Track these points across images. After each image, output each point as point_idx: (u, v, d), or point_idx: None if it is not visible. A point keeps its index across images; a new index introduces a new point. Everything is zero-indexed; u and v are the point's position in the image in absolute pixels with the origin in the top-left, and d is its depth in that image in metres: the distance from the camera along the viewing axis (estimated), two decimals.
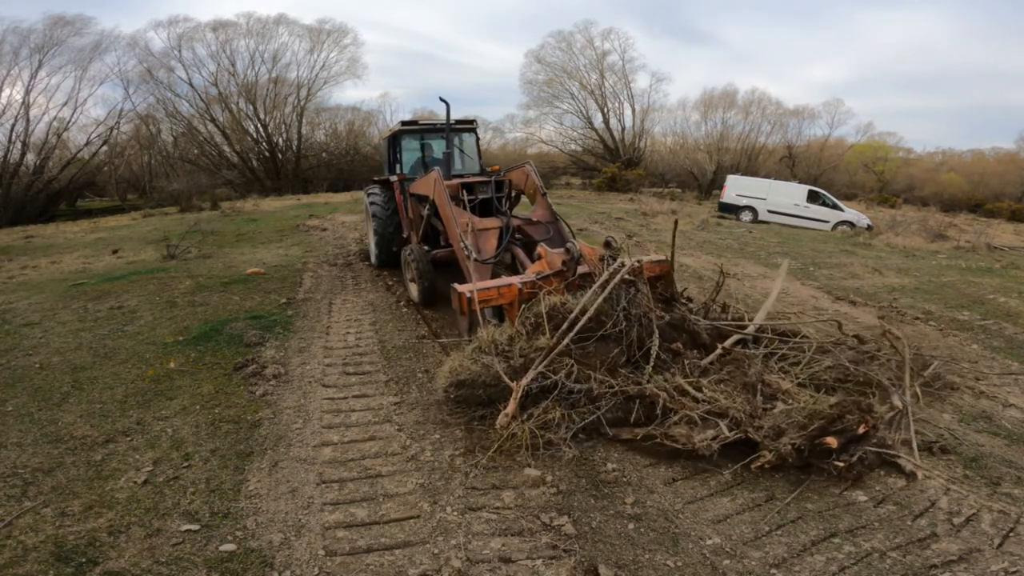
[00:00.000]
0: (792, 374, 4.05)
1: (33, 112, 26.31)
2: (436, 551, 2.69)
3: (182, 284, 7.60)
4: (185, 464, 3.41)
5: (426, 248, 7.05)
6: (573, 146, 39.58)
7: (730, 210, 20.43)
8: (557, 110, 38.63)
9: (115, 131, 29.59)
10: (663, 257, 5.22)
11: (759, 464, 3.26)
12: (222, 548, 2.70)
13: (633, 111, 38.06)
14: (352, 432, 3.85)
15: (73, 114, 27.90)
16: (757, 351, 4.38)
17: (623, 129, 38.37)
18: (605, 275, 4.34)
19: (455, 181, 6.64)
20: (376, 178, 9.30)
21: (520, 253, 6.15)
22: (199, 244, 11.19)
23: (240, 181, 32.21)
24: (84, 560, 2.58)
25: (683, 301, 5.12)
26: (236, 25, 33.37)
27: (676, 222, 6.07)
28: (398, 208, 8.32)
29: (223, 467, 3.40)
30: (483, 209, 6.62)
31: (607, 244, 5.09)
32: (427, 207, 6.82)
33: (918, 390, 4.11)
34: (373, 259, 9.12)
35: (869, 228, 17.06)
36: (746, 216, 19.90)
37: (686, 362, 4.06)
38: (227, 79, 33.44)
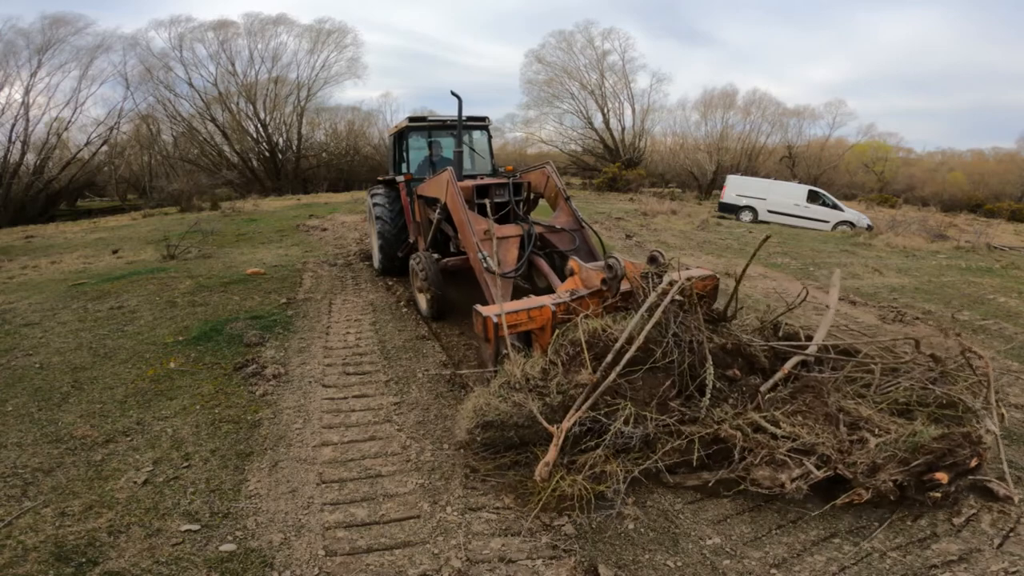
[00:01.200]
0: (868, 399, 3.55)
1: (33, 112, 26.37)
2: (436, 551, 2.69)
3: (182, 284, 7.60)
4: (185, 464, 3.41)
5: (436, 256, 6.41)
6: (573, 146, 39.64)
7: (730, 210, 20.44)
8: (557, 110, 38.71)
9: (115, 131, 29.64)
10: (708, 272, 4.75)
11: (846, 500, 2.93)
12: (222, 548, 2.70)
13: (633, 111, 38.11)
14: (352, 432, 3.85)
15: (73, 114, 27.94)
16: (824, 373, 3.81)
17: (623, 129, 38.42)
18: (653, 296, 3.78)
19: (468, 183, 6.06)
20: (380, 178, 8.75)
21: (543, 265, 5.54)
22: (199, 244, 11.19)
23: (240, 181, 32.24)
24: (84, 560, 2.58)
25: (731, 319, 4.49)
26: (236, 25, 33.43)
27: (767, 237, 4.92)
28: (404, 211, 7.79)
29: (223, 467, 3.40)
30: (499, 214, 6.00)
31: (652, 259, 4.49)
32: (437, 211, 6.34)
33: (1004, 411, 3.67)
34: (376, 264, 8.60)
35: (869, 228, 17.06)
36: (746, 216, 19.90)
37: (744, 390, 3.57)
38: (227, 79, 33.49)
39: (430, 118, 7.90)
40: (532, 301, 4.19)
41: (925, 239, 13.90)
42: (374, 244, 8.69)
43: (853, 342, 4.66)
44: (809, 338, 4.26)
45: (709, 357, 3.57)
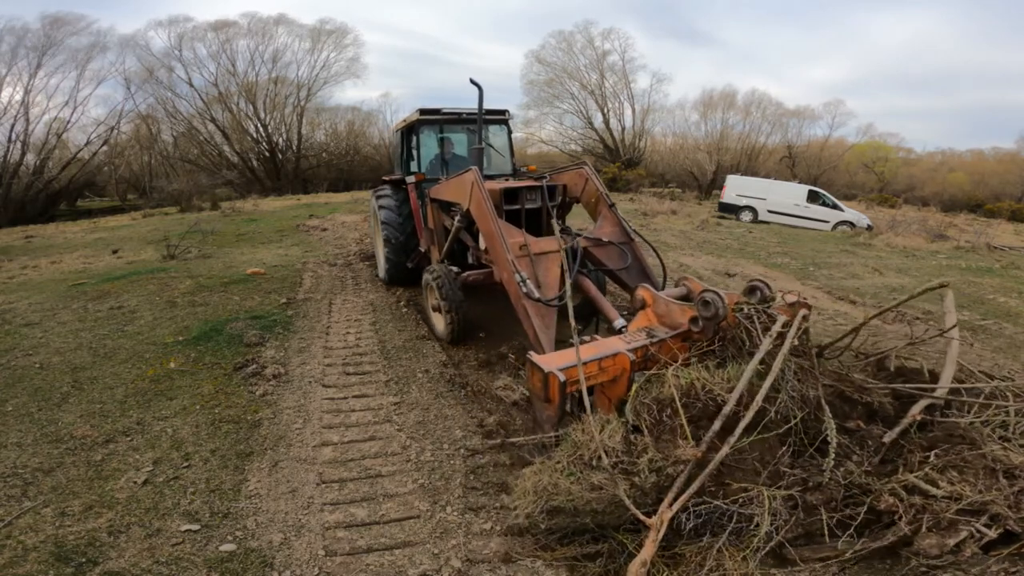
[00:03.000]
0: (1012, 442, 3.05)
1: (33, 112, 26.38)
2: (436, 551, 2.69)
3: (182, 284, 7.60)
4: (185, 464, 3.41)
5: (455, 270, 5.51)
6: (573, 146, 39.65)
7: (730, 210, 20.44)
8: (557, 110, 38.76)
9: (115, 131, 29.67)
10: (796, 297, 3.85)
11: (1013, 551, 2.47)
12: (222, 548, 2.70)
13: (633, 111, 38.16)
14: (352, 432, 3.85)
15: (73, 114, 27.98)
16: (964, 418, 3.21)
17: (623, 129, 38.47)
18: (767, 343, 3.06)
19: (495, 185, 5.23)
20: (386, 177, 7.91)
21: (592, 289, 4.70)
22: (199, 244, 11.19)
23: (240, 181, 32.27)
24: (84, 560, 2.58)
25: (826, 354, 3.85)
26: (237, 25, 33.45)
27: (940, 285, 3.83)
28: (413, 215, 7.04)
29: (223, 467, 3.40)
30: (529, 224, 5.19)
31: (752, 290, 3.68)
32: (457, 218, 5.48)
33: None
34: (382, 273, 7.92)
35: (869, 228, 17.07)
36: (746, 216, 19.91)
37: (870, 443, 3.01)
38: (227, 79, 33.52)
39: (444, 110, 6.97)
40: (601, 346, 3.32)
41: (925, 239, 13.91)
42: (379, 251, 8.04)
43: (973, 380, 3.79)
44: (932, 375, 3.60)
45: (827, 408, 2.95)
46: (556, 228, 4.77)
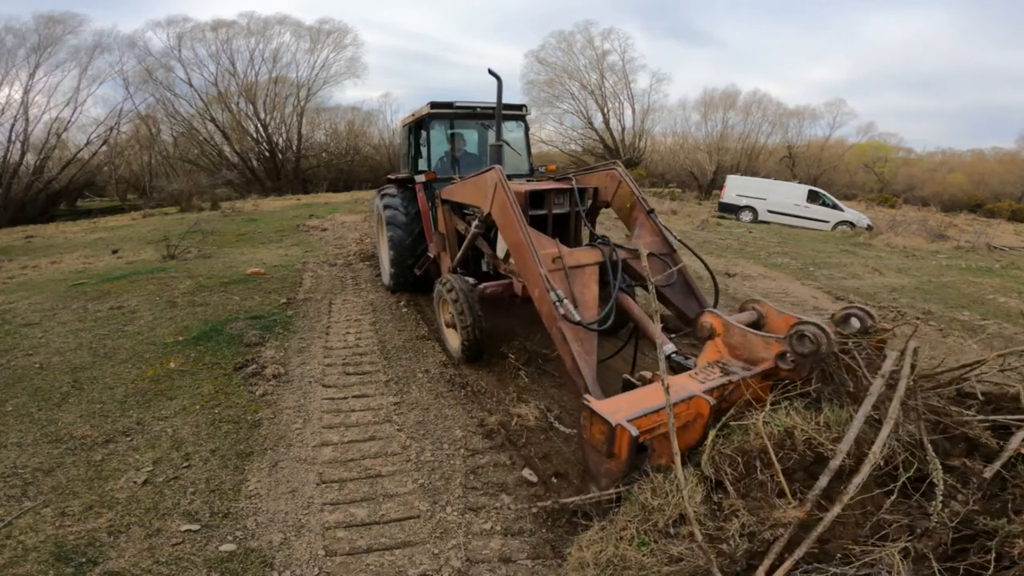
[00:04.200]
0: None
1: (32, 112, 26.42)
2: (436, 551, 2.69)
3: (182, 284, 7.60)
4: (185, 464, 3.41)
5: (471, 281, 4.95)
6: (573, 146, 39.68)
7: (730, 210, 20.46)
8: (557, 110, 38.80)
9: (115, 131, 29.69)
10: (872, 310, 3.33)
11: None
12: (222, 548, 2.70)
13: (633, 111, 38.20)
14: (352, 432, 3.85)
15: (73, 114, 28.01)
16: None
17: (623, 129, 38.50)
18: (879, 383, 2.59)
19: (520, 187, 4.68)
20: (392, 176, 7.40)
21: (633, 306, 4.05)
22: (199, 244, 11.19)
23: (240, 181, 32.31)
24: (84, 560, 2.58)
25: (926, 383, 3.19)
26: (236, 25, 33.49)
27: None
28: (422, 217, 6.60)
29: (223, 467, 3.40)
30: (557, 230, 4.70)
31: (847, 319, 3.13)
32: (475, 223, 4.98)
33: None
34: (387, 280, 7.41)
35: (869, 228, 17.09)
36: (746, 216, 19.92)
37: (974, 480, 2.60)
38: (227, 79, 33.57)
39: (457, 104, 6.45)
40: (672, 387, 2.68)
41: (925, 239, 13.92)
42: (384, 255, 7.56)
43: None
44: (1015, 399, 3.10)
45: (929, 446, 2.54)
46: (584, 237, 4.34)
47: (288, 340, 5.58)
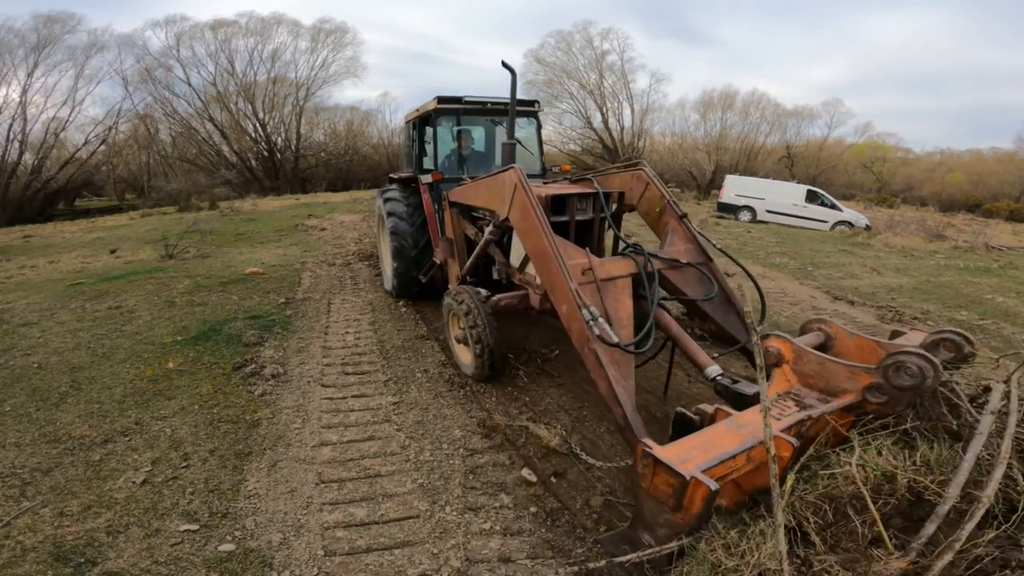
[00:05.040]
0: None
1: (30, 111, 26.37)
2: (435, 551, 2.69)
3: (180, 284, 7.59)
4: (184, 464, 3.41)
5: (483, 292, 4.53)
6: (572, 146, 39.64)
7: (729, 210, 20.48)
8: (556, 110, 38.72)
9: (113, 130, 29.64)
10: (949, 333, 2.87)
11: None
12: (221, 548, 2.70)
13: (632, 111, 38.17)
14: (351, 432, 3.84)
15: (71, 113, 27.96)
16: None
17: (622, 129, 38.47)
18: (989, 420, 2.30)
19: (541, 190, 4.19)
20: (395, 175, 7.00)
21: (671, 323, 3.61)
22: (197, 244, 11.18)
23: (239, 181, 32.26)
24: (83, 560, 2.58)
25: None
26: (235, 24, 33.45)
27: None
28: (427, 221, 6.21)
29: (222, 467, 3.39)
30: (578, 238, 4.27)
31: (937, 344, 2.74)
32: (489, 228, 4.58)
33: None
34: (389, 286, 7.04)
35: (867, 228, 17.12)
36: (745, 216, 19.95)
37: None
38: (226, 79, 33.51)
39: (466, 99, 6.06)
40: (743, 426, 2.43)
41: (923, 239, 13.94)
42: (386, 260, 7.16)
43: None
44: None
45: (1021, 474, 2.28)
46: (604, 244, 4.04)
47: (287, 340, 5.58)
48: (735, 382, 3.07)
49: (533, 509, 3.02)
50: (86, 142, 28.98)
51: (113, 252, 11.21)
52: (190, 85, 32.81)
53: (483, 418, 4.01)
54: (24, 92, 26.06)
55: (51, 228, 18.43)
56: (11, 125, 25.49)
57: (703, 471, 2.09)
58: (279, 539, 2.77)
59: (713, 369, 3.24)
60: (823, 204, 18.77)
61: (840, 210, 18.61)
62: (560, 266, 3.40)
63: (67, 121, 27.97)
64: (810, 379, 2.83)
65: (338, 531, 2.85)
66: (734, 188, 20.64)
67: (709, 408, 2.68)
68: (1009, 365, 2.71)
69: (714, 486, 2.04)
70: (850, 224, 17.89)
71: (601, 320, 3.13)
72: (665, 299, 3.89)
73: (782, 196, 19.51)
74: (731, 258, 4.13)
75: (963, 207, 30.98)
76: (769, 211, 19.46)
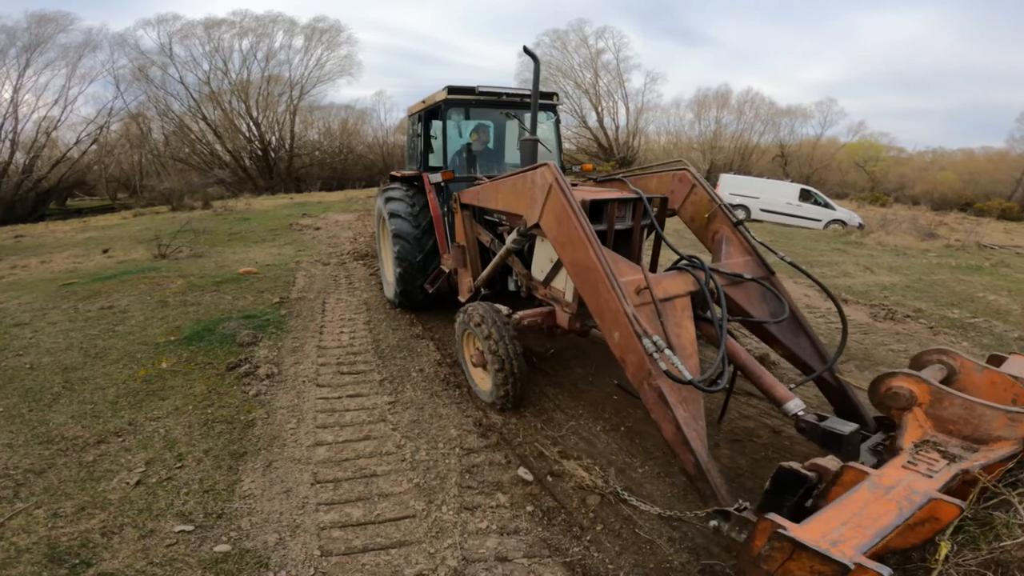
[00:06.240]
0: None
1: (22, 111, 26.20)
2: (432, 550, 2.69)
3: (174, 284, 7.55)
4: (178, 465, 3.39)
5: (504, 310, 3.99)
6: (567, 145, 39.68)
7: None
8: None
9: (105, 129, 29.50)
10: None
11: None
12: (216, 549, 2.68)
13: (627, 110, 38.33)
14: (347, 432, 3.83)
15: (63, 113, 27.80)
16: None
17: (617, 128, 38.60)
18: None
19: (577, 194, 3.46)
20: (398, 173, 6.42)
21: (740, 351, 3.19)
22: (191, 243, 11.12)
23: (232, 180, 32.14)
24: (78, 561, 2.56)
25: None
26: (229, 23, 33.32)
27: None
28: (434, 224, 5.64)
29: (217, 467, 3.38)
30: (617, 249, 3.64)
31: None
32: (511, 235, 4.04)
33: None
34: (391, 295, 6.42)
35: (860, 227, 17.21)
36: (739, 214, 20.00)
37: None
38: (220, 78, 33.37)
39: (480, 89, 5.36)
40: (891, 487, 2.02)
41: (916, 237, 14.03)
42: (388, 267, 6.65)
43: None
44: None
45: None
46: (646, 254, 3.58)
47: (281, 340, 5.56)
48: (822, 419, 2.58)
49: (530, 508, 3.02)
50: (77, 141, 28.88)
51: (105, 252, 11.14)
52: (183, 84, 32.71)
53: (479, 417, 4.00)
54: (16, 91, 25.90)
55: (43, 228, 18.30)
56: (2, 124, 25.35)
57: (867, 551, 1.68)
58: (275, 539, 2.76)
59: (794, 404, 2.81)
60: (817, 203, 18.86)
61: (833, 209, 18.70)
62: (613, 285, 2.88)
63: (59, 120, 27.84)
64: (951, 424, 2.43)
65: (334, 531, 2.84)
66: (729, 187, 20.69)
67: (832, 464, 2.18)
68: None
69: (887, 572, 1.62)
70: (843, 223, 17.99)
71: (668, 352, 2.62)
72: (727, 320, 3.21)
73: (776, 195, 19.58)
74: (805, 273, 3.71)
75: (955, 206, 31.19)
76: (763, 210, 19.52)
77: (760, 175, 26.67)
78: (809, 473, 2.13)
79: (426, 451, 3.59)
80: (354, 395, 4.41)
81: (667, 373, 2.58)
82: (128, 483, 3.19)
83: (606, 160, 35.34)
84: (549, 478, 3.31)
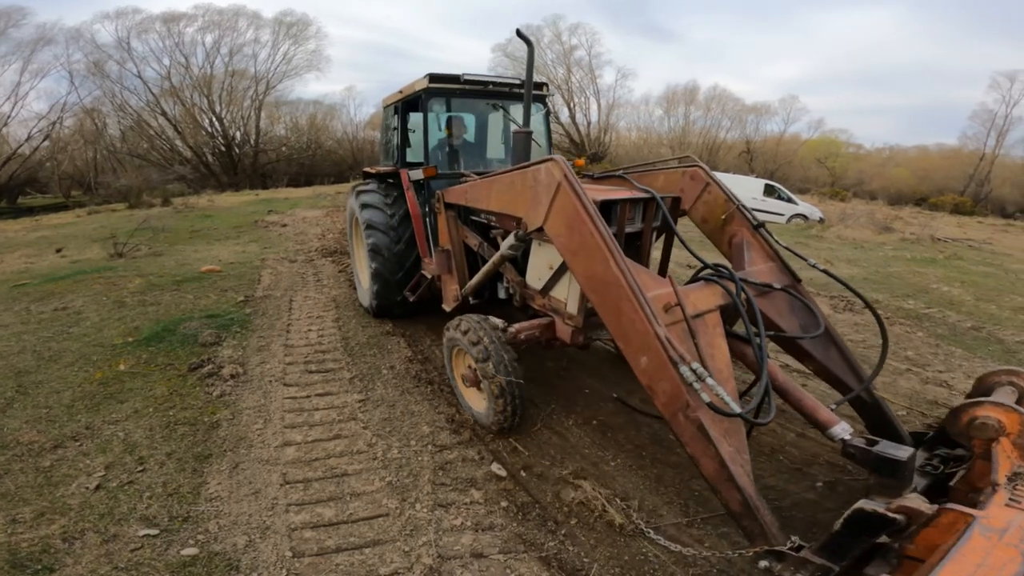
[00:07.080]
0: None
1: None
2: (407, 549, 2.67)
3: (131, 283, 7.31)
4: (139, 468, 3.29)
5: (499, 323, 3.58)
6: None
7: None
8: None
9: (58, 125, 28.37)
10: None
11: None
12: (184, 552, 2.61)
13: (599, 106, 38.60)
14: (316, 431, 3.77)
15: (13, 108, 26.65)
16: None
17: (589, 124, 38.84)
18: None
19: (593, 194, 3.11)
20: (372, 169, 5.94)
21: (777, 371, 2.89)
22: (149, 242, 10.78)
23: (194, 176, 31.25)
24: (40, 567, 2.47)
25: None
26: (190, 17, 32.34)
27: None
28: (414, 226, 5.18)
29: (180, 470, 3.29)
30: (626, 252, 2.91)
31: None
32: (507, 241, 3.58)
33: None
34: (366, 302, 5.98)
35: (821, 221, 17.70)
36: None
37: None
38: (182, 72, 32.38)
39: (465, 77, 4.89)
40: (1001, 530, 1.75)
41: (873, 231, 14.49)
42: (362, 271, 6.22)
43: None
44: None
45: None
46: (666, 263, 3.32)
47: (246, 339, 5.44)
48: (873, 443, 2.31)
49: (504, 504, 3.02)
50: (29, 137, 27.76)
51: (59, 251, 10.72)
52: (141, 78, 31.60)
53: (451, 414, 3.99)
54: None
55: None
56: None
57: None
58: (244, 542, 2.71)
59: (841, 428, 2.55)
60: (780, 198, 19.32)
61: (796, 203, 19.20)
62: (641, 303, 2.50)
63: (9, 116, 26.68)
64: None
65: (306, 532, 2.79)
66: None
67: (923, 506, 1.90)
68: None
69: None
70: (805, 217, 18.48)
71: (711, 381, 2.27)
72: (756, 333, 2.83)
73: (742, 190, 19.95)
74: (840, 281, 3.34)
75: (910, 201, 32.28)
76: None
77: (727, 171, 27.18)
78: (897, 516, 1.87)
79: (398, 449, 3.56)
80: (323, 394, 4.35)
81: (711, 405, 2.24)
82: (88, 488, 3.08)
83: (577, 156, 35.55)
84: (522, 473, 3.32)
